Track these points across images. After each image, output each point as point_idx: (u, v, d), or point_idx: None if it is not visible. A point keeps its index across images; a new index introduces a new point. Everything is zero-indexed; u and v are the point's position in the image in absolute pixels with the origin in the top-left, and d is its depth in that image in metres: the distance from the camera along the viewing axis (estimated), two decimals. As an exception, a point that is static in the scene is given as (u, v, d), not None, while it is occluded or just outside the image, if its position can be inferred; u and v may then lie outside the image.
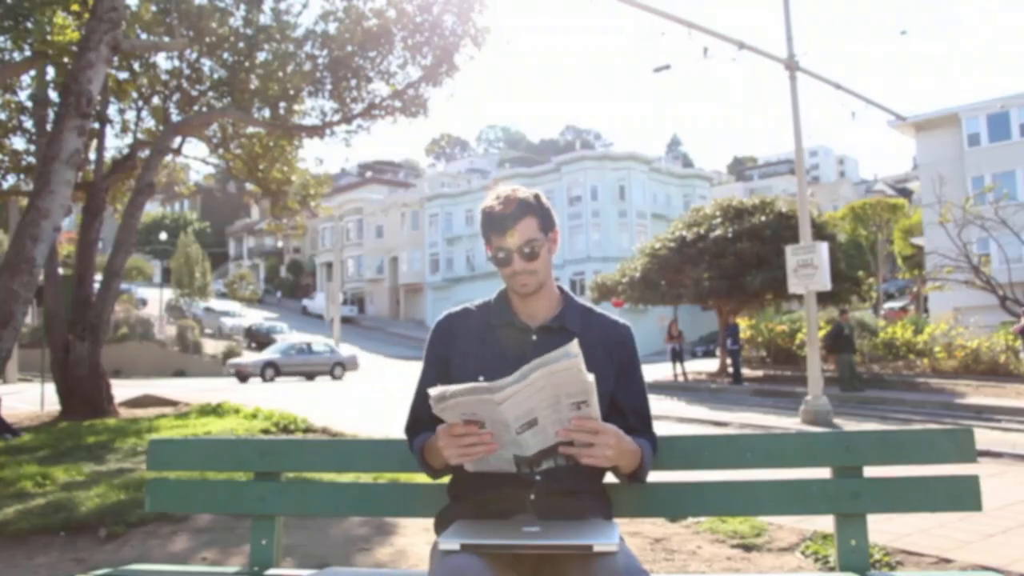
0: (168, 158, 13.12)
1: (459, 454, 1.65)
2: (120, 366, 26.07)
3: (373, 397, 14.52)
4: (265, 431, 8.16)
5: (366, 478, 4.56)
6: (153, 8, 11.84)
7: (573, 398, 1.62)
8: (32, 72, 10.80)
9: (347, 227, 59.72)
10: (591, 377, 1.60)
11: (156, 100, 13.06)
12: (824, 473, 2.09)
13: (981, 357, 18.10)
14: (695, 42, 15.05)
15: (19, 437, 8.27)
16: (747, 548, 3.87)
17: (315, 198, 14.94)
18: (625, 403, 1.95)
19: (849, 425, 11.57)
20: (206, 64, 12.79)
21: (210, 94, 12.87)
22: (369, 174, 75.56)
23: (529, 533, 1.60)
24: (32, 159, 11.81)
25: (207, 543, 4.05)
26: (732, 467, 2.08)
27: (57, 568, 3.73)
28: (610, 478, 1.92)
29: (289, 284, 66.30)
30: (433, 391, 1.59)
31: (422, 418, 1.95)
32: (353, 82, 12.31)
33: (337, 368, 26.75)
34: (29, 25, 9.37)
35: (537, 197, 1.91)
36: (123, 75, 11.98)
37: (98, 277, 11.27)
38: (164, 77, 12.90)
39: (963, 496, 2.00)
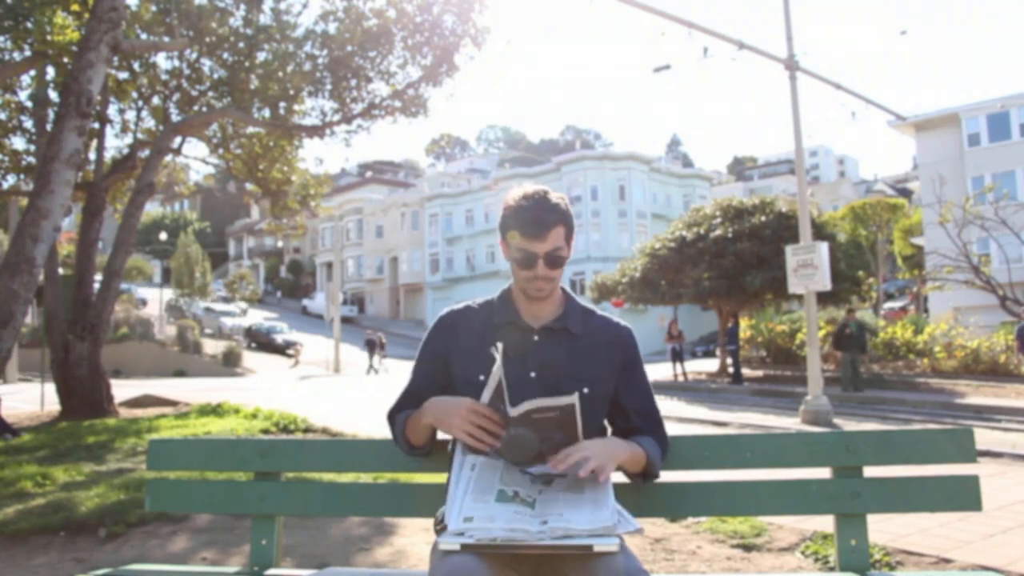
0: (168, 158, 13.12)
1: (468, 432, 1.71)
2: (120, 366, 26.06)
3: (374, 397, 14.52)
4: (265, 431, 8.16)
5: (366, 478, 4.56)
6: (153, 8, 11.84)
7: (550, 431, 1.70)
8: (32, 72, 10.80)
9: (347, 227, 59.72)
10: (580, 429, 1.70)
11: (156, 100, 13.06)
12: (824, 473, 2.09)
13: (981, 357, 18.11)
14: (695, 42, 15.06)
15: (19, 437, 8.27)
16: (747, 548, 3.87)
17: (315, 198, 14.93)
18: (629, 404, 1.96)
19: (849, 425, 11.57)
20: (206, 64, 12.78)
21: (210, 94, 12.86)
22: (369, 174, 75.57)
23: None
24: (32, 159, 11.80)
25: (207, 543, 4.05)
26: (732, 467, 2.09)
27: (57, 568, 3.73)
28: (611, 477, 1.92)
29: (289, 284, 66.30)
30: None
31: (407, 407, 2.00)
32: (353, 82, 12.30)
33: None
34: (29, 25, 9.36)
35: (566, 203, 1.90)
36: (123, 75, 11.98)
37: (98, 277, 11.27)
38: (164, 77, 12.90)
39: (963, 496, 2.01)
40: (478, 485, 1.65)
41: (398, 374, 24.93)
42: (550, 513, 1.60)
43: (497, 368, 1.69)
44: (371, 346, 29.45)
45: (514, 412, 1.66)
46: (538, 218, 1.82)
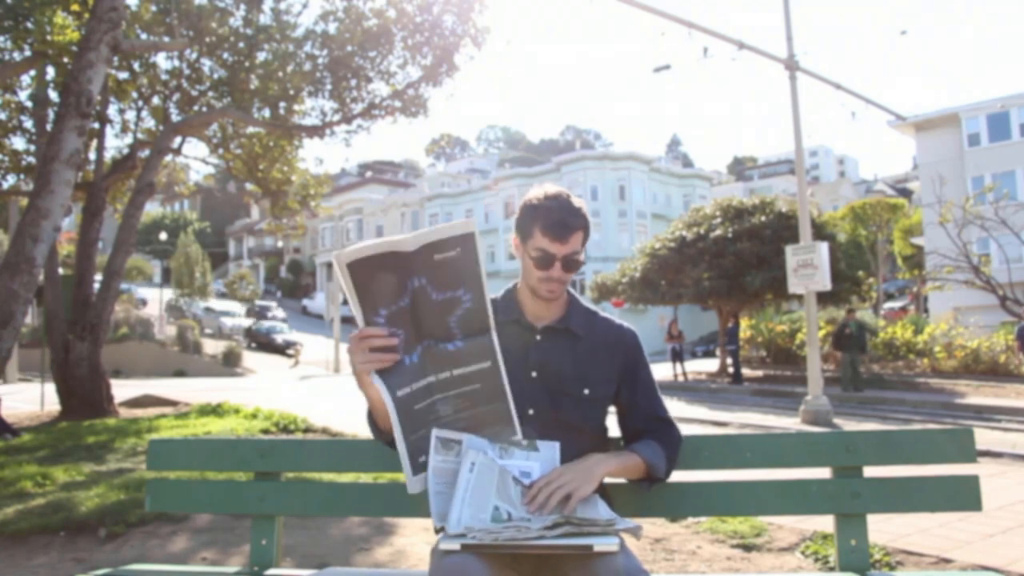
0: (168, 158, 13.12)
1: (364, 360, 1.58)
2: (120, 366, 26.05)
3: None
4: (265, 431, 8.15)
5: (366, 478, 4.56)
6: (153, 8, 11.84)
7: (450, 288, 1.60)
8: (32, 72, 10.80)
9: (347, 227, 59.72)
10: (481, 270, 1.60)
11: (156, 100, 13.06)
12: (824, 473, 2.09)
13: (981, 357, 18.12)
14: (695, 42, 15.08)
15: (19, 437, 8.27)
16: (747, 548, 3.87)
17: (315, 198, 14.93)
18: (634, 407, 1.96)
19: (849, 425, 11.57)
20: (206, 64, 12.78)
21: (210, 94, 12.86)
22: (369, 174, 75.57)
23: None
24: (32, 159, 11.80)
25: (207, 543, 4.05)
26: (732, 467, 2.09)
27: (57, 568, 3.73)
28: (610, 478, 1.92)
29: (289, 284, 66.29)
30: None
31: None
32: (353, 82, 12.30)
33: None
34: (29, 25, 9.36)
35: (585, 208, 1.89)
36: (123, 75, 11.97)
37: (98, 277, 11.27)
38: (164, 77, 12.90)
39: (963, 496, 2.00)
40: (475, 495, 1.65)
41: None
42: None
43: (346, 290, 1.58)
44: None
45: (409, 247, 1.56)
46: (562, 220, 1.82)
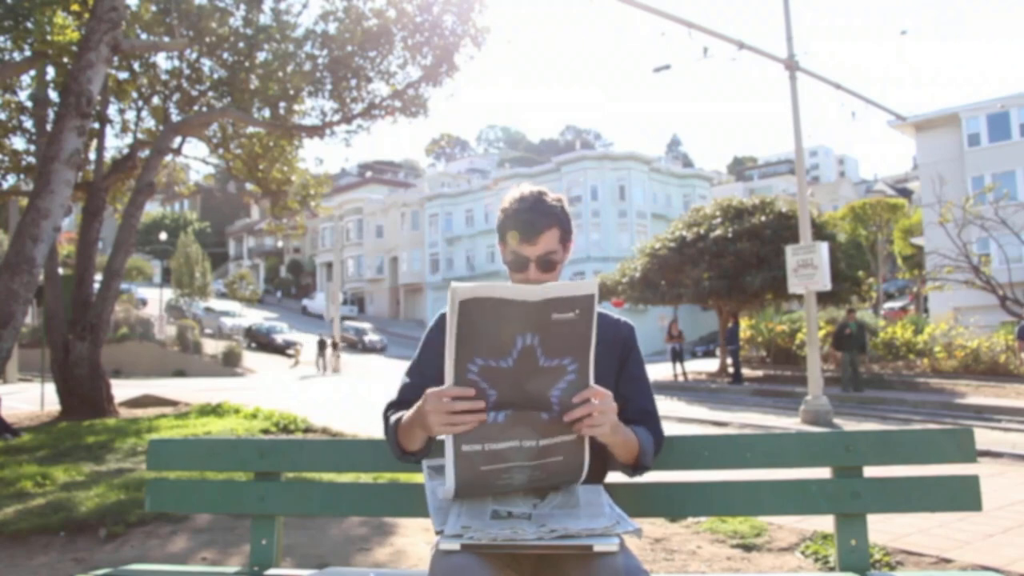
0: (168, 158, 13.12)
1: (442, 422, 1.51)
2: (120, 366, 26.06)
3: (373, 397, 14.51)
4: (265, 431, 8.16)
5: (366, 478, 4.57)
6: (153, 8, 11.84)
7: (559, 355, 1.51)
8: (32, 72, 10.80)
9: (347, 227, 59.75)
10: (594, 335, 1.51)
11: (156, 100, 13.06)
12: (824, 473, 2.09)
13: (981, 357, 18.11)
14: (695, 42, 15.08)
15: (19, 437, 8.27)
16: (747, 548, 3.87)
17: (315, 198, 14.94)
18: (626, 399, 1.95)
19: (849, 425, 11.57)
20: (206, 64, 12.79)
21: (210, 94, 12.87)
22: (369, 174, 75.63)
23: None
24: (32, 159, 11.81)
25: (207, 543, 4.05)
26: (732, 467, 2.08)
27: (57, 568, 3.73)
28: (611, 477, 1.92)
29: (289, 284, 66.32)
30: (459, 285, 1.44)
31: (408, 399, 1.88)
32: (353, 82, 12.31)
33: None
34: (29, 25, 9.37)
35: (562, 205, 1.86)
36: (123, 75, 11.99)
37: (98, 277, 11.27)
38: (164, 77, 12.90)
39: (963, 496, 2.00)
40: (471, 505, 1.65)
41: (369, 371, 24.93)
42: (547, 522, 1.60)
43: (450, 326, 1.47)
44: (321, 346, 29.48)
45: (533, 297, 1.45)
46: (530, 222, 1.81)
